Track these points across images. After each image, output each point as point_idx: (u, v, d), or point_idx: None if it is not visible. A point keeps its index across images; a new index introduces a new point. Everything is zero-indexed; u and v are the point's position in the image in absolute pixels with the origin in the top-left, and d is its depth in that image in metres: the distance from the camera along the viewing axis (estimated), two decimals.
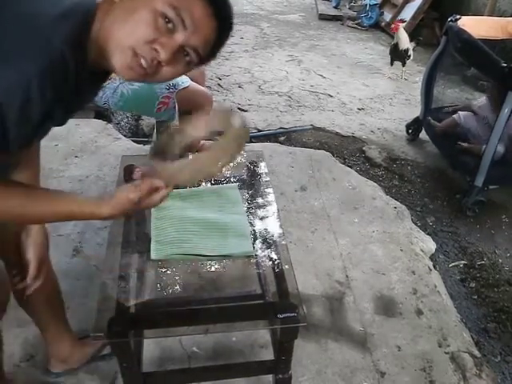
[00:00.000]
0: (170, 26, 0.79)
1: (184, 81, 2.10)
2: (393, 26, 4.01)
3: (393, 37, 4.83)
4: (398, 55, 3.92)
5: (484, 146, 2.37)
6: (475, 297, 2.05)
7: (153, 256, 1.23)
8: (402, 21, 4.03)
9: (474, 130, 2.63)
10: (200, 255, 1.25)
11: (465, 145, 2.59)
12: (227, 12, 0.86)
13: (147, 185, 0.88)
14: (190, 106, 2.06)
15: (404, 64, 3.96)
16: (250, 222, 1.37)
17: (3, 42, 0.70)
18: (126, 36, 0.78)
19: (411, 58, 3.93)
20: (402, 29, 3.90)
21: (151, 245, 1.26)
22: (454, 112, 2.77)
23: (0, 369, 1.27)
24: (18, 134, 0.72)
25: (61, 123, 0.91)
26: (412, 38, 4.26)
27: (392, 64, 4.03)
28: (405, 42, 3.85)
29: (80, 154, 2.59)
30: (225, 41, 0.91)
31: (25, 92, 0.69)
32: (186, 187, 1.43)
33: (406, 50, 3.85)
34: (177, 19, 0.78)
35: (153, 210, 1.36)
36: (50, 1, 0.78)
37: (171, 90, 2.06)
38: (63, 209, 0.86)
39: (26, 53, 0.70)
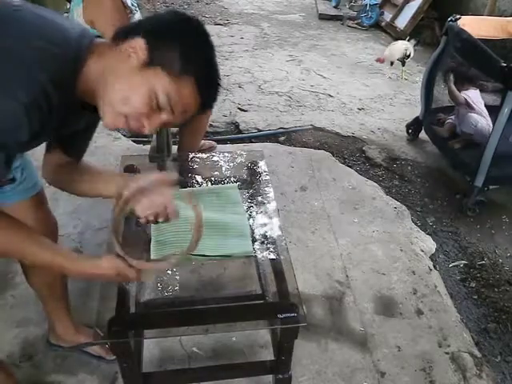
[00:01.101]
0: (160, 105, 0.87)
1: None
2: (377, 62, 4.05)
3: (393, 36, 4.86)
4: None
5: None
6: (475, 297, 2.05)
7: (153, 256, 1.23)
8: (380, 60, 4.03)
9: (456, 125, 2.74)
10: (200, 255, 1.25)
11: (454, 141, 2.67)
12: (215, 99, 0.95)
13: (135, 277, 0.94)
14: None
15: (403, 64, 3.96)
16: (250, 222, 1.37)
17: None
18: (122, 103, 0.86)
19: (411, 56, 3.93)
20: (386, 59, 3.94)
21: (151, 245, 1.26)
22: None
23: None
24: (15, 147, 0.83)
25: (64, 134, 1.03)
26: (411, 36, 4.27)
27: (392, 64, 4.03)
28: (395, 58, 3.91)
29: None
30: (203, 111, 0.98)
31: (16, 120, 0.78)
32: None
33: (402, 56, 3.88)
34: (168, 106, 0.87)
35: None
36: (35, 33, 0.82)
37: None
38: (58, 262, 0.91)
39: (11, 89, 0.77)
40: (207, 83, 0.90)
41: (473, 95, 2.65)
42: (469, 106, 2.61)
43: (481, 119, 2.57)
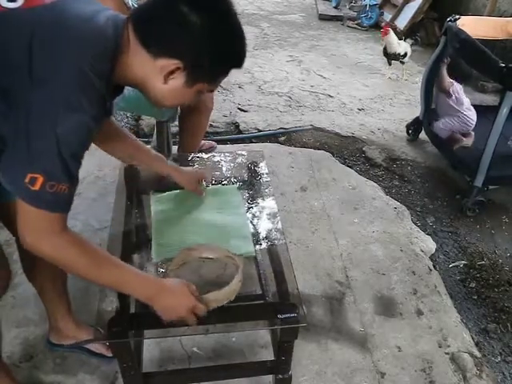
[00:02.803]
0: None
1: None
2: (382, 30, 3.96)
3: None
4: (390, 57, 3.92)
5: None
6: (475, 297, 2.05)
7: (154, 258, 1.23)
8: (390, 25, 3.93)
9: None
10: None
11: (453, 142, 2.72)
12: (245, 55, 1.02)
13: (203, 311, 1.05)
14: (192, 104, 2.05)
15: (403, 63, 3.96)
16: (251, 223, 1.37)
17: (61, 94, 0.82)
18: (174, 105, 1.14)
19: (408, 55, 3.91)
20: (392, 33, 3.86)
21: (152, 247, 1.26)
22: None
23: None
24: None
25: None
26: (409, 36, 4.26)
27: (390, 64, 4.03)
28: (393, 46, 3.83)
29: None
30: None
31: (89, 130, 0.87)
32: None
33: (397, 54, 3.85)
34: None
35: (153, 211, 1.36)
36: (81, 45, 0.85)
37: None
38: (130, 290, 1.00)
39: (77, 103, 0.83)
40: (240, 60, 0.97)
41: (456, 85, 2.71)
42: (448, 94, 2.67)
43: (448, 121, 2.68)
